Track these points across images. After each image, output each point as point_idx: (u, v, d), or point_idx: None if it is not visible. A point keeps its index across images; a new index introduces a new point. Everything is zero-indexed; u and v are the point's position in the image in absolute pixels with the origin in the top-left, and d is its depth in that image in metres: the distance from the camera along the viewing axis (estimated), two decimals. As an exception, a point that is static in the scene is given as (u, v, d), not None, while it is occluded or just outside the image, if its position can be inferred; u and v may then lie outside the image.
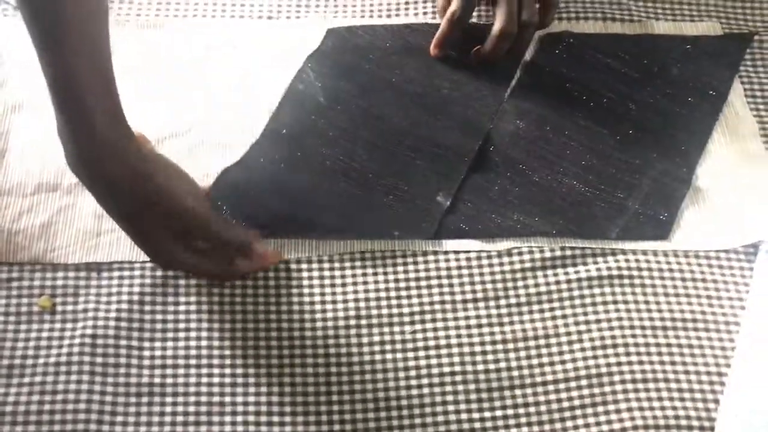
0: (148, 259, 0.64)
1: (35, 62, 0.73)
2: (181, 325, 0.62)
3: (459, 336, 0.63)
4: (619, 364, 0.62)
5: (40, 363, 0.60)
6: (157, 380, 0.60)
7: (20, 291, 0.63)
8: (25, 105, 0.71)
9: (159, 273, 0.64)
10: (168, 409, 0.59)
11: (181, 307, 0.63)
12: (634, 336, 0.63)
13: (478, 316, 0.63)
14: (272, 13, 0.78)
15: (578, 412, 0.60)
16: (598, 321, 0.64)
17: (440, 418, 0.59)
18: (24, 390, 0.59)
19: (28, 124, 0.70)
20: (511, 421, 0.59)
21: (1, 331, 0.61)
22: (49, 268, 0.64)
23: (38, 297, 0.62)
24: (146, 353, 0.61)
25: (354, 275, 0.65)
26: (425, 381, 0.61)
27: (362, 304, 0.64)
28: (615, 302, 0.64)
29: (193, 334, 0.62)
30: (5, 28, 0.75)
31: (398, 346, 0.62)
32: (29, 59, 0.71)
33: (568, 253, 0.66)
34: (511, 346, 0.62)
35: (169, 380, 0.60)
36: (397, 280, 0.65)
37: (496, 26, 0.72)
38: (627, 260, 0.66)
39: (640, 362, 0.62)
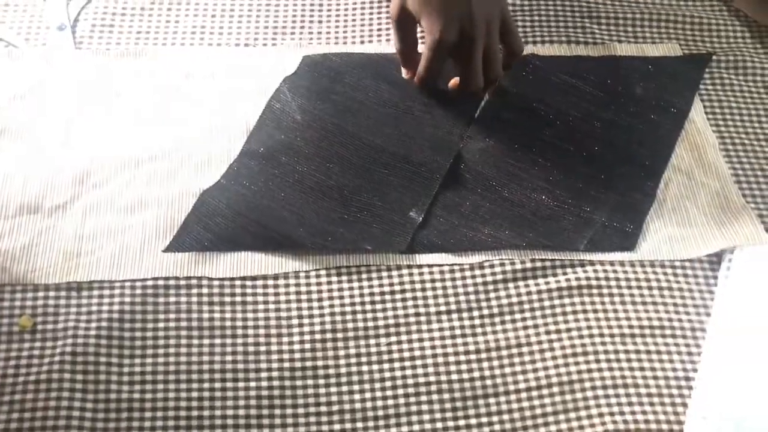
0: (128, 277, 0.65)
1: (19, 93, 0.76)
2: (161, 342, 0.63)
3: (433, 347, 0.64)
4: (589, 371, 0.63)
5: (20, 381, 0.61)
6: (136, 396, 0.61)
7: (0, 311, 0.64)
8: (7, 130, 0.72)
9: (138, 291, 0.65)
10: (147, 424, 0.60)
11: (161, 324, 0.64)
12: (603, 344, 0.65)
13: (451, 327, 0.65)
14: (249, 40, 0.80)
15: (551, 418, 0.61)
16: (568, 330, 0.65)
17: (416, 427, 0.60)
18: (4, 408, 0.59)
19: (9, 147, 0.71)
20: (486, 429, 0.61)
21: (-19, 351, 0.62)
22: (29, 287, 0.65)
23: (18, 317, 0.63)
24: (126, 369, 0.62)
25: (330, 289, 0.66)
26: (401, 391, 0.62)
27: (338, 318, 0.65)
28: (584, 311, 0.66)
29: (171, 350, 0.63)
30: (-12, 58, 0.77)
31: (374, 358, 0.63)
32: (14, 89, 0.75)
33: (538, 264, 0.68)
34: (484, 355, 0.64)
35: (149, 395, 0.61)
36: (372, 294, 0.66)
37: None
38: (595, 270, 0.68)
39: (610, 369, 0.63)
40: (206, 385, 0.61)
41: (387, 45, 0.81)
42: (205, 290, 0.65)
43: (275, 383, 0.62)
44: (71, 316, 0.63)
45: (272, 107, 0.75)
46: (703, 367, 0.63)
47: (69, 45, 0.77)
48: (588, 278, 0.67)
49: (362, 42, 0.81)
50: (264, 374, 0.62)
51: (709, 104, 0.79)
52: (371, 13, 0.83)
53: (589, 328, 0.65)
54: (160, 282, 0.65)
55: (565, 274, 0.68)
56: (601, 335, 0.65)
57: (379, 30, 0.82)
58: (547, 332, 0.65)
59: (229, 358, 0.63)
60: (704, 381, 0.62)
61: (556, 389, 0.63)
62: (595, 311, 0.66)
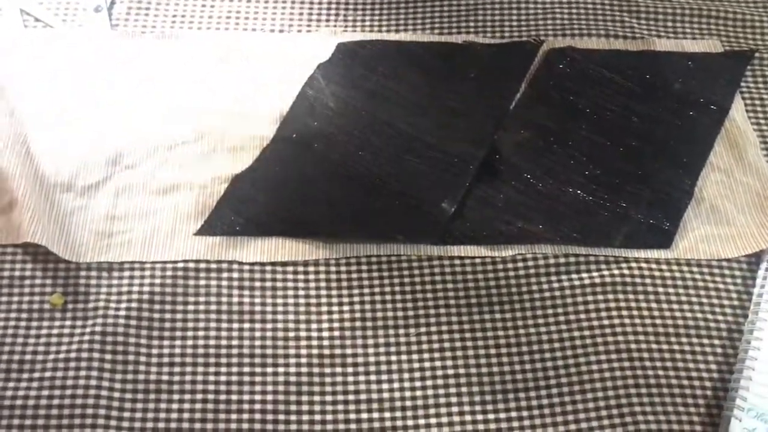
0: (159, 259, 0.65)
1: (55, 73, 0.76)
2: (190, 324, 0.63)
3: (463, 340, 0.63)
4: (622, 369, 0.62)
5: (50, 359, 0.61)
6: (164, 378, 0.60)
7: (32, 289, 0.64)
8: (42, 110, 0.73)
9: (169, 273, 0.65)
10: (174, 406, 0.59)
11: (190, 307, 0.63)
12: (637, 342, 0.63)
13: (482, 321, 0.64)
14: (284, 27, 0.80)
15: (582, 415, 0.60)
16: (601, 327, 0.64)
17: (444, 420, 0.60)
18: (34, 385, 0.59)
19: (43, 126, 0.72)
20: (515, 424, 0.60)
21: (12, 327, 0.62)
22: (61, 267, 0.65)
23: (50, 295, 0.64)
24: (154, 351, 0.61)
25: (360, 278, 0.66)
26: (430, 383, 0.61)
27: (368, 307, 0.64)
28: (618, 309, 0.65)
29: (201, 333, 0.62)
30: (28, 38, 0.77)
31: (403, 349, 0.63)
32: (51, 69, 0.75)
33: (572, 260, 0.67)
34: (515, 350, 0.63)
35: (177, 378, 0.60)
36: (402, 284, 0.66)
37: None
38: (630, 268, 0.67)
39: (643, 368, 0.62)
40: (235, 369, 0.61)
41: (421, 33, 0.80)
42: (235, 274, 0.65)
43: (304, 370, 0.61)
44: (102, 296, 0.63)
45: (306, 94, 0.74)
46: (741, 369, 0.62)
47: (105, 27, 0.77)
48: (623, 275, 0.66)
49: (396, 30, 0.80)
50: (293, 360, 0.62)
51: (750, 102, 0.78)
52: (407, 1, 0.82)
53: (623, 325, 0.64)
54: (191, 265, 0.65)
55: (599, 270, 0.67)
56: (635, 333, 0.64)
57: (414, 18, 0.81)
58: (580, 329, 0.64)
59: (258, 342, 0.62)
60: (742, 384, 0.61)
61: (588, 386, 0.61)
62: (629, 309, 0.65)
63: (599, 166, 0.71)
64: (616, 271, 0.66)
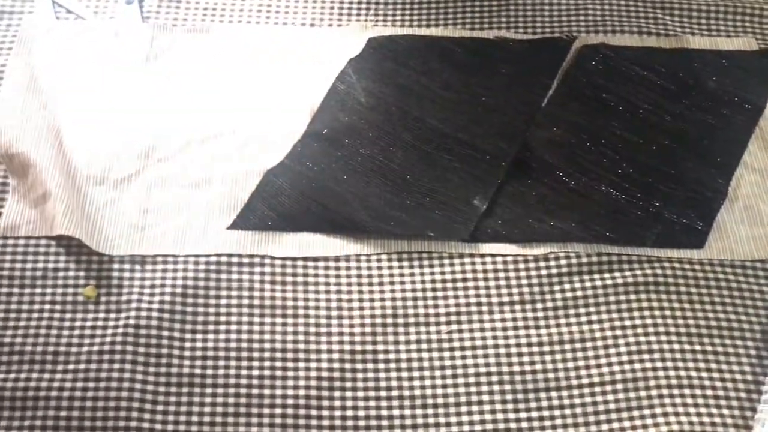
0: (191, 253, 0.65)
1: (87, 65, 0.76)
2: (222, 318, 0.63)
3: (495, 337, 0.63)
4: (654, 369, 0.62)
5: (84, 351, 0.61)
6: (197, 371, 0.61)
7: (66, 281, 0.64)
8: (74, 101, 0.73)
9: (201, 267, 0.65)
10: (207, 399, 0.60)
11: (222, 301, 0.64)
12: (669, 342, 0.63)
13: (514, 319, 0.64)
14: (315, 21, 0.79)
15: (613, 415, 0.60)
16: (633, 326, 0.64)
17: (476, 417, 0.60)
18: (68, 376, 0.60)
19: (76, 118, 0.72)
20: (547, 423, 0.60)
21: (47, 319, 0.62)
22: (94, 259, 0.65)
23: (83, 287, 0.64)
24: (187, 344, 0.62)
25: (391, 274, 0.66)
26: (461, 380, 0.61)
27: (398, 303, 0.64)
28: (651, 308, 0.65)
29: (233, 327, 0.63)
30: (60, 31, 0.77)
31: (434, 345, 0.63)
32: (82, 62, 0.75)
33: (605, 259, 0.67)
34: (546, 348, 0.63)
35: (209, 371, 0.61)
36: (433, 281, 0.65)
37: None
38: (663, 267, 0.66)
39: (676, 368, 0.62)
40: (267, 363, 0.61)
41: (453, 29, 0.79)
42: (267, 269, 0.65)
43: (335, 365, 0.61)
44: (135, 289, 0.64)
45: (337, 89, 0.74)
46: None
47: (136, 19, 0.77)
48: (655, 275, 0.66)
49: (428, 25, 0.79)
50: (324, 355, 0.62)
51: (785, 101, 0.77)
52: (438, -3, 0.81)
53: (655, 325, 0.64)
54: (223, 259, 0.65)
55: (632, 269, 0.66)
56: (668, 333, 0.63)
57: (445, 13, 0.80)
58: (612, 328, 0.64)
59: (290, 337, 0.62)
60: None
61: (619, 386, 0.61)
62: (662, 309, 0.65)
63: (632, 164, 0.71)
64: (648, 271, 0.66)
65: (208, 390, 0.60)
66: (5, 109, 0.72)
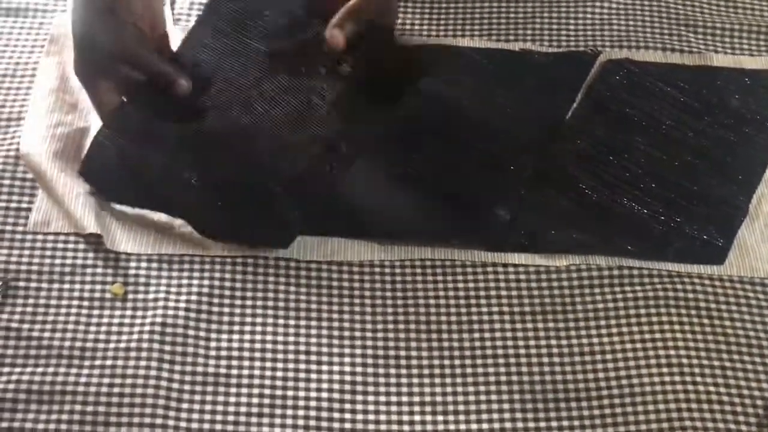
0: (220, 253, 0.66)
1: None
2: (248, 319, 0.64)
3: (516, 347, 0.64)
4: (672, 383, 0.62)
5: (110, 347, 0.62)
6: (222, 371, 0.61)
7: (94, 277, 0.65)
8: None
9: (228, 267, 0.66)
10: (232, 399, 0.60)
11: (248, 302, 0.64)
12: (688, 357, 0.64)
13: (536, 329, 0.65)
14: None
15: (632, 428, 0.61)
16: (653, 340, 0.64)
17: (496, 426, 0.60)
18: (95, 372, 0.61)
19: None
20: (566, 433, 0.61)
21: (74, 315, 0.63)
22: (122, 256, 0.66)
23: (111, 284, 0.65)
24: (213, 344, 0.63)
25: (414, 281, 0.67)
26: (482, 388, 0.62)
27: (422, 310, 0.65)
28: (670, 323, 0.65)
29: (258, 328, 0.63)
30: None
31: (456, 353, 0.63)
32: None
33: (626, 272, 0.67)
34: (567, 360, 0.63)
35: (234, 371, 0.62)
36: (456, 289, 0.66)
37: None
38: (683, 282, 0.67)
39: (694, 383, 0.62)
40: (291, 365, 0.62)
41: (478, 39, 0.80)
42: (292, 271, 0.66)
43: (358, 369, 0.62)
44: (162, 287, 0.65)
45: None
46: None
47: (168, 21, 0.78)
48: (676, 290, 0.66)
49: (454, 35, 0.80)
50: (347, 359, 0.63)
51: (806, 122, 0.77)
52: (464, 7, 0.82)
53: (674, 340, 0.64)
54: (249, 260, 0.66)
55: (652, 283, 0.67)
56: (687, 348, 0.64)
57: (471, 24, 0.81)
58: (632, 341, 0.64)
59: (313, 340, 0.63)
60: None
61: (638, 399, 0.62)
62: (681, 323, 0.65)
63: (654, 179, 0.72)
64: (669, 286, 0.67)
65: (233, 390, 0.61)
66: (37, 108, 0.73)
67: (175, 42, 0.75)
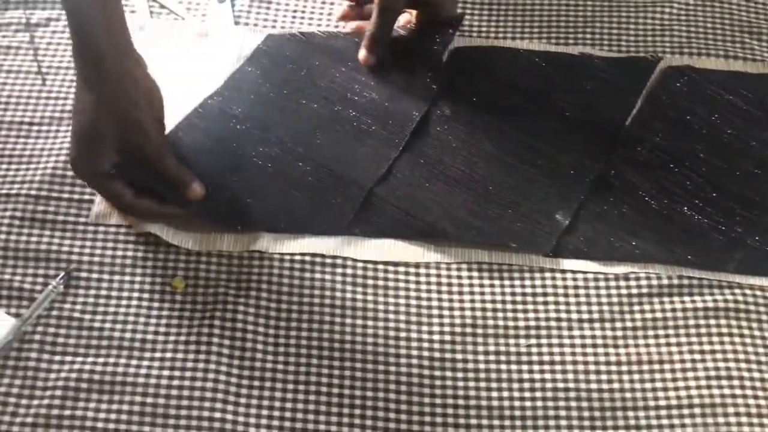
0: (279, 250, 0.67)
1: (177, 64, 0.77)
2: (305, 317, 0.64)
3: (573, 354, 0.63)
4: (733, 396, 0.62)
5: (170, 340, 0.63)
6: (279, 367, 0.62)
7: (155, 270, 0.66)
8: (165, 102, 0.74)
9: (286, 265, 0.66)
10: (289, 396, 0.61)
11: (305, 299, 0.65)
12: (749, 370, 0.63)
13: (593, 336, 0.64)
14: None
15: (690, 439, 0.60)
16: (712, 352, 0.64)
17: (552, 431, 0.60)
18: (155, 365, 0.61)
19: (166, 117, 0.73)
20: (623, 442, 0.60)
21: (135, 307, 0.64)
22: (182, 250, 0.67)
23: (172, 278, 0.66)
24: (270, 340, 0.63)
25: (471, 284, 0.66)
26: (539, 395, 0.62)
27: (478, 313, 0.65)
28: (730, 335, 0.64)
29: (315, 326, 0.64)
30: (153, 27, 0.79)
31: (513, 358, 0.63)
32: (173, 60, 0.77)
33: (685, 282, 0.66)
34: (624, 368, 0.63)
35: (291, 368, 0.62)
36: (513, 293, 0.66)
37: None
38: (744, 294, 0.66)
39: (755, 396, 0.61)
40: (348, 364, 0.62)
41: (538, 42, 0.79)
42: (349, 270, 0.66)
43: (414, 371, 0.62)
44: (221, 282, 0.65)
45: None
46: None
47: (228, 20, 0.79)
48: (736, 301, 0.65)
49: (513, 38, 0.80)
50: (403, 360, 0.63)
51: None
52: (523, 9, 0.82)
53: (735, 352, 0.63)
54: (307, 258, 0.66)
55: (712, 294, 0.66)
56: (747, 361, 0.63)
57: (531, 26, 0.80)
58: (691, 352, 0.64)
59: (369, 340, 0.63)
60: None
61: (697, 410, 0.61)
62: (742, 336, 0.64)
63: (715, 188, 0.71)
64: (729, 297, 0.66)
65: (290, 386, 0.61)
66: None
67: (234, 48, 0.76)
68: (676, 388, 0.62)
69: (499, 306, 0.65)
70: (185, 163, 0.68)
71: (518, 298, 0.66)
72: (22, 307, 0.64)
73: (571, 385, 0.62)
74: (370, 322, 0.64)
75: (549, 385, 0.62)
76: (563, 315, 0.65)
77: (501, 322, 0.65)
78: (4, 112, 0.73)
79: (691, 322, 0.65)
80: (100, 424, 0.59)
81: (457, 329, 0.64)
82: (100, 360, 0.62)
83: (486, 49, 0.79)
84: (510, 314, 0.65)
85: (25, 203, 0.68)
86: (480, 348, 0.63)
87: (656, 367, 0.63)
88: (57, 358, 0.62)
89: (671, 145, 0.73)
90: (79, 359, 0.62)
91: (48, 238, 0.67)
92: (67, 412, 0.60)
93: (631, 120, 0.75)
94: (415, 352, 0.63)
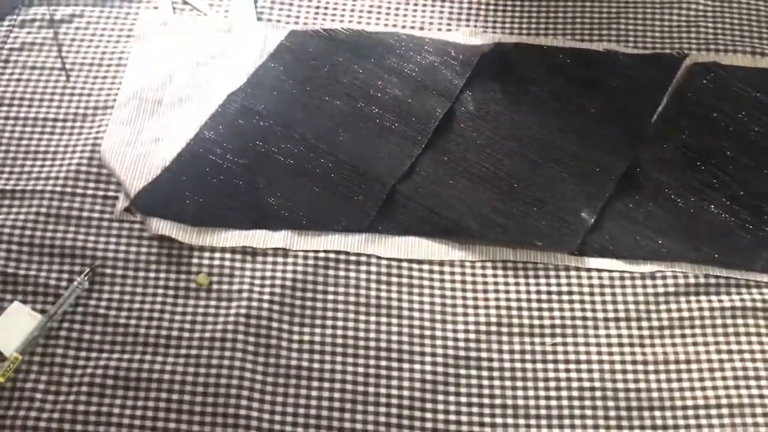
0: (302, 247, 0.66)
1: (201, 57, 0.77)
2: (329, 314, 0.64)
3: (599, 353, 0.63)
4: (761, 396, 0.61)
5: (195, 337, 0.63)
6: (304, 364, 0.62)
7: (179, 267, 0.66)
8: (188, 96, 0.74)
9: (311, 262, 0.66)
10: (314, 393, 0.61)
11: (329, 297, 0.65)
12: (777, 370, 0.62)
13: (619, 335, 0.64)
14: (423, 24, 0.79)
15: (716, 439, 0.60)
16: (740, 351, 0.63)
17: (578, 431, 0.60)
18: (180, 361, 0.62)
19: (189, 112, 0.73)
20: (650, 442, 0.60)
21: (160, 303, 0.64)
22: (207, 247, 0.67)
23: (196, 274, 0.65)
24: (295, 337, 0.63)
25: (496, 282, 0.66)
26: (564, 393, 0.61)
27: (503, 312, 0.65)
28: (758, 334, 0.64)
29: (340, 323, 0.64)
30: (175, 26, 0.79)
31: (538, 357, 0.63)
32: (195, 53, 0.76)
33: (712, 281, 0.66)
34: (651, 367, 0.62)
35: (316, 365, 0.62)
36: (538, 292, 0.65)
37: None
38: (772, 294, 0.65)
39: (783, 397, 0.61)
40: (371, 361, 0.62)
41: (562, 38, 0.78)
42: (373, 268, 0.66)
43: (439, 369, 0.62)
44: (246, 279, 0.65)
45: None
46: None
47: (251, 16, 0.79)
48: (764, 300, 0.65)
49: (537, 34, 0.79)
50: (428, 358, 0.62)
51: None
52: (547, 5, 0.81)
53: (763, 352, 0.63)
54: (332, 255, 0.66)
55: (740, 293, 0.65)
56: (775, 361, 0.63)
57: (555, 22, 0.79)
58: (718, 351, 0.63)
59: (394, 337, 0.63)
60: None
61: (725, 411, 0.61)
62: (770, 335, 0.64)
63: (742, 186, 0.70)
64: (757, 296, 0.65)
65: (314, 383, 0.61)
66: (119, 113, 0.74)
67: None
68: (703, 388, 0.61)
69: (524, 304, 0.65)
70: (209, 161, 0.68)
71: (543, 297, 0.65)
72: (47, 304, 0.64)
73: (597, 384, 0.61)
74: (394, 320, 0.64)
75: (574, 384, 0.61)
76: (588, 314, 0.64)
77: (526, 321, 0.64)
78: (29, 109, 0.73)
79: (719, 321, 0.64)
80: (125, 420, 0.60)
81: (482, 327, 0.64)
82: (126, 356, 0.62)
83: (510, 45, 0.78)
84: (535, 312, 0.65)
85: (50, 200, 0.68)
86: (505, 346, 0.63)
87: (683, 366, 0.62)
88: (83, 354, 0.62)
89: (697, 143, 0.72)
90: (105, 355, 0.62)
91: (73, 234, 0.67)
92: (93, 408, 0.60)
93: (656, 117, 0.74)
94: (439, 350, 0.63)
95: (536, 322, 0.64)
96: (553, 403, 0.61)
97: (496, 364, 0.62)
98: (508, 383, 0.62)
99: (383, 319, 0.64)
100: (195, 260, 0.66)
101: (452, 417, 0.60)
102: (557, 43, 0.78)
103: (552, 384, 0.62)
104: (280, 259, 0.66)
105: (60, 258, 0.66)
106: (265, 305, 0.64)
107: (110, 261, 0.66)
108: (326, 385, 0.61)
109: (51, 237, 0.67)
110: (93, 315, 0.64)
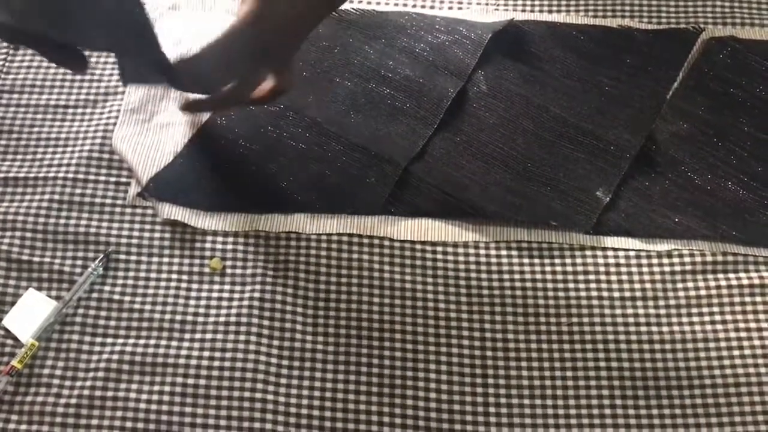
0: (315, 231, 0.66)
1: (208, 40, 0.76)
2: (343, 297, 0.64)
3: (616, 333, 0.62)
4: (781, 375, 0.61)
5: (210, 321, 0.63)
6: (319, 347, 0.62)
7: (192, 252, 0.66)
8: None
9: (324, 245, 0.66)
10: (329, 376, 0.61)
11: (343, 279, 0.64)
12: (797, 348, 0.62)
13: (635, 315, 0.63)
14: (435, 3, 0.78)
15: (737, 418, 0.59)
16: (759, 329, 0.62)
17: (595, 411, 0.59)
18: (195, 345, 0.62)
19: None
20: (667, 421, 0.59)
21: (174, 288, 0.64)
22: (220, 231, 0.66)
23: (209, 259, 0.65)
24: (309, 320, 0.63)
25: (510, 263, 0.66)
26: (581, 374, 0.61)
27: (518, 293, 0.64)
28: (778, 312, 0.63)
29: (353, 306, 0.63)
30: (183, 11, 0.78)
31: (554, 337, 0.62)
32: (203, 37, 0.76)
33: (730, 259, 0.65)
34: (668, 347, 0.62)
35: (331, 348, 0.62)
36: (554, 272, 0.65)
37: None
38: (791, 271, 0.65)
39: (803, 375, 0.60)
40: (387, 344, 0.62)
41: (575, 15, 0.77)
42: (386, 250, 0.66)
43: (454, 350, 0.62)
44: (259, 263, 0.65)
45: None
46: None
47: None
48: (784, 278, 0.64)
49: (549, 11, 0.78)
50: (443, 340, 0.62)
51: None
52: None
53: (782, 330, 0.62)
54: (344, 238, 0.66)
55: (758, 271, 0.64)
56: (796, 339, 0.62)
57: (567, 2, 0.79)
58: (737, 329, 0.62)
59: (408, 320, 0.63)
60: None
61: (744, 389, 0.60)
62: (790, 313, 0.63)
63: (760, 163, 0.69)
64: (776, 274, 0.64)
65: (330, 366, 0.61)
66: (131, 101, 0.73)
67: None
68: (722, 367, 0.61)
69: (539, 285, 0.64)
70: (222, 145, 0.68)
71: (559, 277, 0.65)
72: (62, 290, 0.64)
73: (614, 364, 0.61)
74: (408, 302, 0.64)
75: (591, 364, 0.61)
76: (605, 293, 0.64)
77: (542, 301, 0.64)
78: (40, 96, 0.73)
79: (737, 299, 0.63)
80: (142, 405, 0.60)
81: (497, 309, 0.63)
82: (141, 341, 0.62)
83: (522, 22, 0.77)
84: (551, 293, 0.64)
85: (63, 186, 0.68)
86: (521, 327, 0.63)
87: (701, 345, 0.62)
88: (98, 340, 0.62)
89: (714, 119, 0.71)
90: (120, 341, 0.62)
91: (86, 220, 0.67)
92: (110, 393, 0.60)
93: (672, 93, 0.73)
94: (454, 332, 0.62)
95: (551, 302, 0.64)
96: (570, 383, 0.60)
97: (511, 345, 0.62)
98: (524, 364, 0.61)
99: (397, 302, 0.64)
100: (208, 245, 0.66)
101: (468, 398, 0.60)
102: (570, 20, 0.77)
103: (568, 364, 0.61)
104: (293, 243, 0.66)
105: (74, 244, 0.66)
106: (279, 288, 0.63)
107: (124, 246, 0.66)
108: (341, 367, 0.61)
109: (64, 224, 0.67)
110: (108, 301, 0.64)
